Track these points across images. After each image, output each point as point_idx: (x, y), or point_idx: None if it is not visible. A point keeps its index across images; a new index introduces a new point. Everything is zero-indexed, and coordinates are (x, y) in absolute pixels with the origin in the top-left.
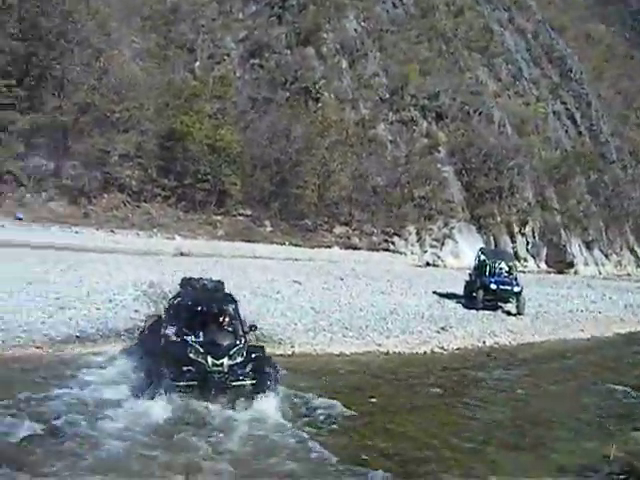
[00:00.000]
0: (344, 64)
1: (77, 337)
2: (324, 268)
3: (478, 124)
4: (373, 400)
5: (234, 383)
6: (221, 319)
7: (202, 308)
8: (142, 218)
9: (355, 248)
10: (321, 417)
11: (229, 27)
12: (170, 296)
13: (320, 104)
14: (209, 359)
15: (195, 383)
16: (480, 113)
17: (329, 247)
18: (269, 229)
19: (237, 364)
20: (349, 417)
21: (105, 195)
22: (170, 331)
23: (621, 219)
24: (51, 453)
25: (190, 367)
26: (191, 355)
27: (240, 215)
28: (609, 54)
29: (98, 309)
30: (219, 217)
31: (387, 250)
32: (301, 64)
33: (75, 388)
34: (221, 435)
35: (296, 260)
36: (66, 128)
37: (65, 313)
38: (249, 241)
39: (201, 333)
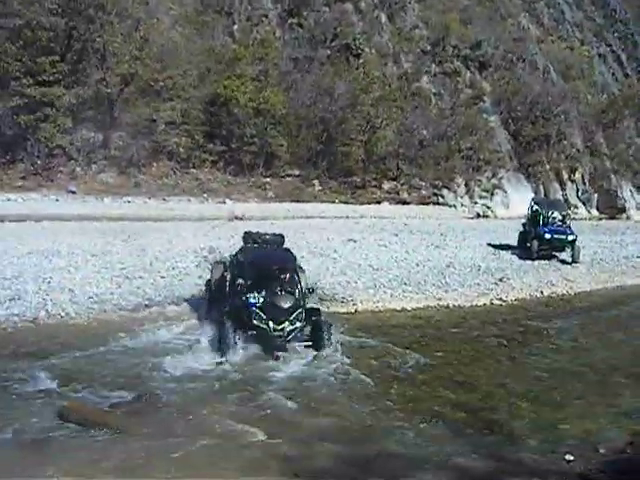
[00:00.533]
0: (383, 18)
1: (146, 305)
2: (377, 225)
3: (522, 71)
4: (438, 353)
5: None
6: (282, 277)
7: (264, 265)
8: (192, 184)
9: (404, 203)
10: (389, 369)
11: None
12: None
13: (361, 60)
14: (271, 324)
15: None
16: (524, 60)
17: (379, 203)
18: (318, 188)
19: (296, 328)
20: (417, 369)
21: (154, 164)
22: (234, 289)
23: None
24: (139, 416)
25: (254, 331)
26: (254, 321)
27: (288, 176)
28: None
29: (163, 277)
30: (268, 179)
31: (437, 203)
32: (340, 20)
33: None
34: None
35: (347, 218)
36: (111, 100)
37: (132, 283)
38: (299, 201)
39: (263, 292)
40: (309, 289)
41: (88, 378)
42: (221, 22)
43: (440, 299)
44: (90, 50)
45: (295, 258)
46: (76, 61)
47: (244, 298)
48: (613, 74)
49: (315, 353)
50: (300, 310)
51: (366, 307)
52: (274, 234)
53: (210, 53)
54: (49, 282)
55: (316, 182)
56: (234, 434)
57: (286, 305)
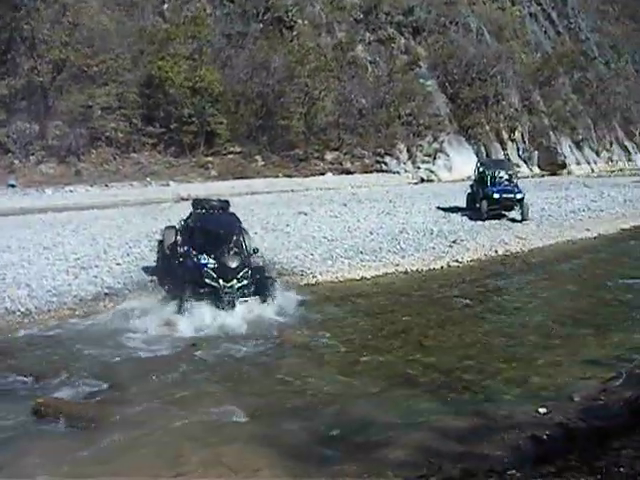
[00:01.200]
0: None
1: (106, 294)
2: (324, 196)
3: (456, 35)
4: (404, 318)
5: (242, 299)
6: (229, 239)
7: (212, 230)
8: (134, 168)
9: (348, 172)
10: (356, 337)
11: None
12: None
13: (295, 32)
14: (221, 282)
15: (210, 301)
16: (457, 23)
17: (322, 174)
18: (261, 163)
19: (244, 285)
20: (384, 336)
21: (93, 151)
22: (185, 250)
23: (608, 115)
24: (114, 405)
25: (205, 289)
26: (206, 280)
27: (230, 153)
28: None
29: (119, 264)
30: (210, 158)
31: (380, 171)
32: None
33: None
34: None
35: (293, 191)
36: (44, 88)
37: (89, 273)
38: (242, 178)
39: (213, 253)
40: (254, 249)
41: (59, 372)
42: (150, 2)
43: (398, 265)
44: (18, 39)
45: (240, 222)
46: (4, 51)
47: (195, 260)
48: (545, 32)
49: (280, 321)
50: (246, 269)
51: (326, 278)
52: (219, 200)
53: (142, 34)
54: (3, 278)
55: (258, 157)
56: (212, 415)
57: (234, 265)
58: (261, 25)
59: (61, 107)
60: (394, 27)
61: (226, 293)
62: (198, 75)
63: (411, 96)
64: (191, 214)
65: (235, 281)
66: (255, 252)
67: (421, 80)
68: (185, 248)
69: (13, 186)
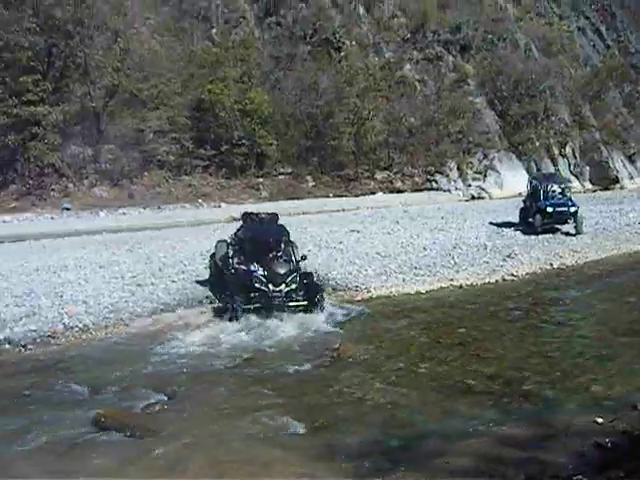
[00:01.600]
0: (361, 10)
1: (162, 310)
2: (376, 214)
3: (504, 51)
4: (460, 330)
5: (290, 304)
6: (278, 248)
7: (262, 240)
8: (185, 191)
9: (399, 191)
10: (413, 350)
11: None
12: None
13: (343, 53)
14: (270, 286)
15: (260, 305)
16: (504, 40)
17: (373, 193)
18: (311, 184)
19: (292, 290)
20: (441, 348)
21: (146, 173)
22: (236, 260)
23: None
24: (172, 416)
25: (256, 293)
26: (256, 284)
27: (281, 174)
28: None
29: (174, 282)
30: (260, 179)
31: (431, 189)
32: (318, 15)
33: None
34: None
35: (344, 210)
36: (97, 113)
37: (144, 290)
38: (293, 198)
39: (262, 262)
40: (302, 256)
41: (117, 384)
42: (199, 27)
43: (452, 280)
44: (72, 66)
45: (287, 232)
46: (59, 78)
47: (246, 267)
48: (594, 46)
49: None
50: (294, 274)
51: (380, 293)
52: (268, 213)
53: (191, 59)
54: (62, 296)
55: (309, 178)
56: (269, 427)
57: (282, 271)
58: (309, 47)
59: (114, 131)
60: (441, 45)
61: (275, 297)
62: (248, 97)
63: (460, 113)
64: (241, 227)
65: (284, 286)
66: (304, 259)
67: (470, 97)
68: (236, 258)
69: (68, 209)
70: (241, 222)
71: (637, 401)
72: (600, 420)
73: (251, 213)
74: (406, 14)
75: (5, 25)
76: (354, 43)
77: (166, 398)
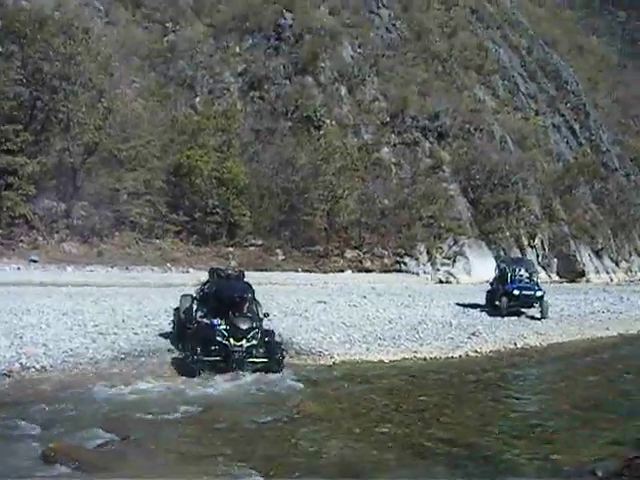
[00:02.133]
0: (343, 91)
1: (122, 358)
2: (344, 289)
3: (480, 141)
4: (421, 397)
5: (250, 360)
6: (242, 305)
7: (226, 295)
8: (155, 254)
9: (367, 271)
10: (373, 412)
11: (227, 61)
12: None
13: (322, 131)
14: (231, 340)
15: (220, 359)
16: (481, 130)
17: (342, 271)
18: (281, 257)
19: (253, 345)
20: (402, 412)
21: (117, 233)
22: (200, 314)
23: (628, 226)
24: (126, 455)
25: (217, 347)
26: (217, 338)
27: (251, 245)
28: (603, 64)
29: (136, 334)
30: (231, 248)
31: (399, 271)
32: (301, 93)
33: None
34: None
35: (312, 285)
36: (74, 169)
37: (106, 339)
38: (262, 270)
39: (225, 316)
40: (265, 314)
41: (70, 423)
42: (184, 95)
43: (416, 352)
44: (54, 119)
45: (252, 289)
46: (40, 130)
47: (208, 322)
48: (567, 143)
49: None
50: (256, 330)
51: (344, 359)
52: (235, 270)
53: (173, 124)
54: (21, 337)
55: (279, 251)
56: (224, 473)
57: (244, 326)
58: (290, 123)
59: (89, 188)
60: (419, 131)
61: (236, 351)
62: (225, 167)
63: (433, 199)
64: (207, 281)
65: (245, 341)
66: (266, 316)
67: (444, 184)
68: (200, 312)
69: (35, 261)
70: (207, 277)
71: (597, 468)
72: None
73: (218, 268)
74: (387, 98)
75: None
76: (334, 122)
77: (119, 439)
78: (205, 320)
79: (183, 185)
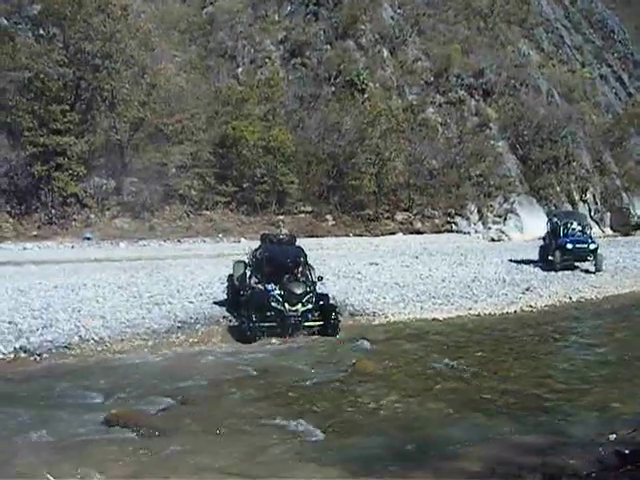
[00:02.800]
0: (385, 53)
1: (178, 327)
2: (395, 251)
3: (526, 96)
4: (477, 353)
5: (306, 324)
6: (295, 269)
7: (279, 260)
8: (206, 225)
9: (418, 232)
10: (430, 368)
11: (267, 30)
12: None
13: (366, 95)
14: (286, 305)
15: (276, 324)
16: (527, 85)
17: (393, 234)
18: (331, 223)
19: (308, 309)
20: (459, 367)
21: (167, 207)
22: (254, 280)
23: None
24: (186, 418)
25: (272, 312)
26: (272, 303)
27: (301, 212)
28: None
29: (191, 303)
30: (281, 216)
31: (450, 231)
32: (342, 57)
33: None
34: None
35: (363, 249)
36: (122, 146)
37: (162, 308)
38: (313, 236)
39: (279, 282)
40: (319, 277)
41: (130, 390)
42: (225, 66)
43: (470, 309)
44: (99, 98)
45: (305, 254)
46: (86, 110)
47: (263, 287)
48: (616, 94)
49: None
50: (310, 294)
51: (398, 319)
52: (287, 234)
53: (216, 96)
54: (79, 311)
55: (329, 217)
56: (284, 430)
57: (299, 291)
58: (333, 88)
59: (137, 164)
60: (464, 89)
61: (291, 317)
62: (271, 135)
63: (481, 157)
64: (259, 247)
65: (300, 305)
66: (320, 280)
67: (492, 141)
68: (253, 278)
69: (89, 239)
70: (260, 242)
71: None
72: (619, 432)
73: (270, 234)
74: (430, 58)
75: (36, 57)
76: (377, 85)
77: (179, 403)
78: (259, 286)
79: (230, 156)
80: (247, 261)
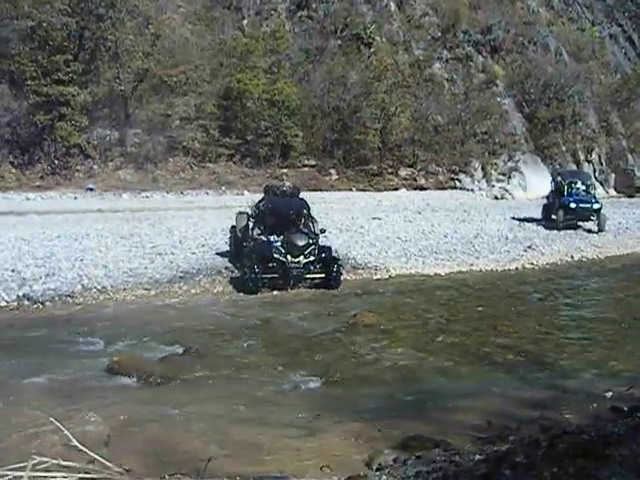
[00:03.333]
0: (393, 7)
1: (180, 277)
2: (398, 206)
3: (534, 54)
4: (479, 308)
5: (308, 276)
6: (298, 221)
7: (282, 212)
8: (209, 178)
9: (422, 189)
10: (431, 322)
11: None
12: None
13: (373, 49)
14: (288, 257)
15: (278, 276)
16: (535, 43)
17: (396, 189)
18: (335, 177)
19: (310, 261)
20: (459, 321)
21: (170, 159)
22: (257, 232)
23: None
24: (188, 365)
25: (274, 264)
26: (274, 254)
27: (305, 166)
28: None
29: (194, 253)
30: (285, 170)
31: (454, 188)
32: (349, 11)
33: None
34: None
35: (366, 203)
36: (126, 97)
37: (164, 259)
38: (316, 190)
39: (282, 233)
40: (322, 229)
41: (133, 339)
42: (230, 17)
43: (472, 265)
44: (102, 48)
45: (308, 206)
46: (89, 60)
47: (265, 238)
48: (625, 54)
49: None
50: (313, 247)
51: (399, 272)
52: (290, 186)
53: (221, 48)
54: (82, 260)
55: (333, 171)
56: (282, 380)
57: (301, 243)
58: (339, 41)
59: (141, 116)
60: (472, 45)
61: (293, 268)
62: (276, 88)
63: (487, 114)
64: (263, 199)
65: (302, 257)
66: (322, 232)
67: (498, 99)
68: (256, 229)
69: (92, 190)
70: (263, 194)
71: None
72: (615, 389)
73: (273, 185)
74: (437, 13)
75: (38, 5)
76: (384, 39)
77: (181, 351)
78: (262, 237)
79: (234, 108)
80: (250, 213)
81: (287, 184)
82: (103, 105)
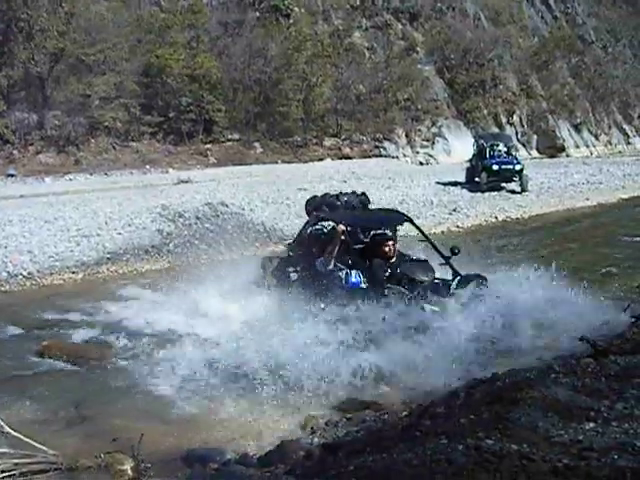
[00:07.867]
0: None
1: (108, 259)
2: (324, 176)
3: (453, 20)
4: None
5: None
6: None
7: (367, 235)
8: (133, 157)
9: (347, 158)
10: None
11: None
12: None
13: (292, 20)
14: None
15: None
16: (454, 9)
17: (321, 160)
18: (259, 150)
19: None
20: None
21: (92, 140)
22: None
23: (606, 99)
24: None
25: None
26: None
27: (229, 141)
28: None
29: (120, 234)
30: (209, 145)
31: (379, 156)
32: None
33: None
34: None
35: (292, 175)
36: (42, 78)
37: (90, 241)
38: (241, 164)
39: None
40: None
41: (62, 323)
42: None
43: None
44: (15, 29)
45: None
46: (2, 41)
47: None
48: (542, 17)
49: None
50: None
51: None
52: (353, 193)
53: (139, 24)
54: (5, 247)
55: (257, 144)
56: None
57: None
58: (257, 13)
59: (59, 97)
60: (391, 13)
61: None
62: (196, 63)
63: (409, 81)
64: (315, 222)
65: None
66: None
67: (419, 65)
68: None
69: (12, 175)
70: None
71: None
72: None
73: (325, 195)
74: None
75: None
76: (303, 10)
77: (110, 333)
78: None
79: (155, 85)
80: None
81: (211, 161)
82: (19, 88)
